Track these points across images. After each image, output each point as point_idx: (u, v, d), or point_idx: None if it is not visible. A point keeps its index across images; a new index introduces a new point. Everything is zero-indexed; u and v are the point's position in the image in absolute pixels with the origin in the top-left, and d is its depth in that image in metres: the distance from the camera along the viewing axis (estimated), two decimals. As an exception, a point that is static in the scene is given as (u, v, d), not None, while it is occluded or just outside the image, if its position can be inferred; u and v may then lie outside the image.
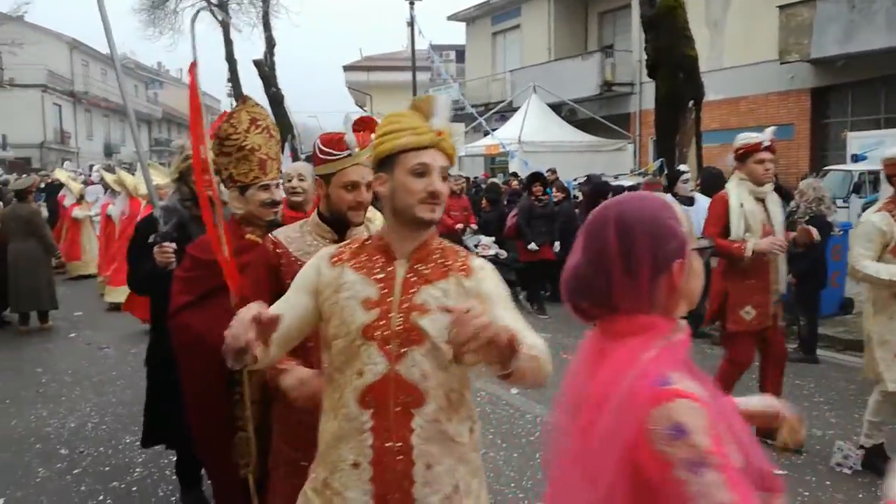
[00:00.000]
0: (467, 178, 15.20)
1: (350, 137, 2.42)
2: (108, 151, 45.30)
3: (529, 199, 9.95)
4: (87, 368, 7.29)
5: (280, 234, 2.52)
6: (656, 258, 1.36)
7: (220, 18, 30.11)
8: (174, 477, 4.60)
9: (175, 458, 4.88)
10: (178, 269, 3.14)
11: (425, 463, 1.86)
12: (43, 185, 16.36)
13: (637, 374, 1.30)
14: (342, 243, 2.05)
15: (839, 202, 12.25)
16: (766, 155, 4.50)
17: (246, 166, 2.89)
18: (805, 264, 6.79)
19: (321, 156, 2.44)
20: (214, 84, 65.66)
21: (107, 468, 4.82)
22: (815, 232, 4.77)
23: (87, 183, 15.14)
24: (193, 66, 2.89)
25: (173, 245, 3.48)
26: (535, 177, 10.29)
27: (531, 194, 9.99)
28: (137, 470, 4.77)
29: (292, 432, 2.42)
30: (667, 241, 1.37)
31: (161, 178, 9.26)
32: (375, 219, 3.03)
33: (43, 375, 7.11)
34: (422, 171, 1.85)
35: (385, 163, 1.89)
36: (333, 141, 2.44)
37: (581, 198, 12.13)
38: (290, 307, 1.93)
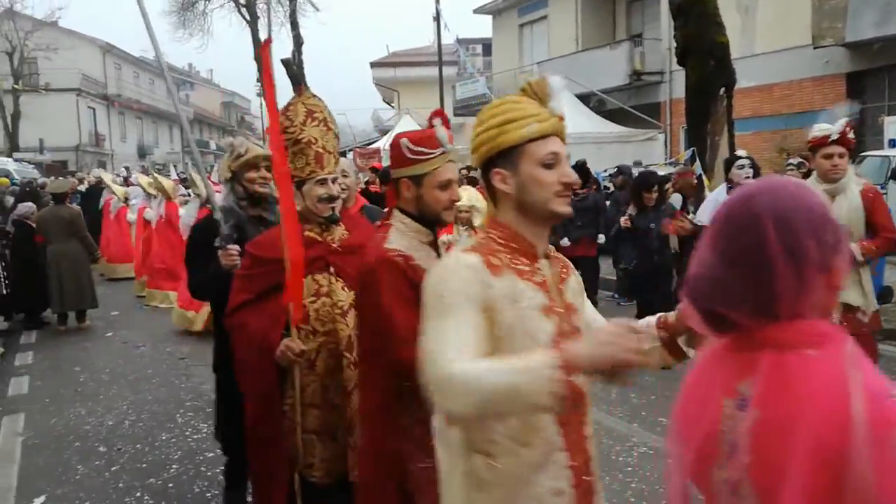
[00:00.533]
0: None
1: (442, 133, 2.30)
2: (142, 153, 46.04)
3: None
4: (123, 367, 7.42)
5: (399, 245, 2.29)
6: (822, 255, 1.18)
7: (247, 18, 30.40)
8: (209, 473, 4.67)
9: (211, 456, 4.95)
10: (239, 268, 3.09)
11: (597, 473, 1.79)
12: (84, 189, 16.56)
13: (865, 394, 1.09)
14: (471, 247, 1.77)
15: (877, 189, 11.96)
16: (834, 149, 4.12)
17: (302, 160, 2.78)
18: None
19: (412, 156, 2.28)
20: (244, 84, 66.31)
21: (144, 465, 4.90)
22: None
23: (126, 183, 15.38)
24: (267, 43, 2.85)
25: (237, 247, 3.37)
26: (573, 167, 9.74)
27: None
28: (174, 467, 4.84)
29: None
30: (827, 234, 1.20)
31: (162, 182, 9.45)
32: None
33: (81, 374, 7.25)
34: (552, 162, 1.70)
35: (505, 156, 1.71)
36: (424, 139, 2.30)
37: (612, 189, 12.00)
38: (476, 330, 1.61)
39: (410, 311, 2.03)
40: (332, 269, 2.85)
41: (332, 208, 2.84)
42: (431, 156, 2.28)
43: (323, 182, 2.80)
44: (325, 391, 2.82)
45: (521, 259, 1.74)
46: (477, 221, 7.04)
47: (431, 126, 2.36)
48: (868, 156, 13.47)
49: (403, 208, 2.37)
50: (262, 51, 2.79)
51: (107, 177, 14.92)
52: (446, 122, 2.38)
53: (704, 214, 6.40)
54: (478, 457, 1.72)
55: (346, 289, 2.84)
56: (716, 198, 6.45)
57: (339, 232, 2.92)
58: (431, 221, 2.37)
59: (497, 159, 1.73)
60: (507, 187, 1.72)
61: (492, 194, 1.79)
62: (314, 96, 2.89)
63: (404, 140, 2.29)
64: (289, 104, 2.84)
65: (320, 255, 2.84)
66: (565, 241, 8.87)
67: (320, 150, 2.80)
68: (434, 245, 2.39)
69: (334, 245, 2.88)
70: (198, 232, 3.73)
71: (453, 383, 1.46)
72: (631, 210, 7.29)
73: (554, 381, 1.37)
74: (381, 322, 2.20)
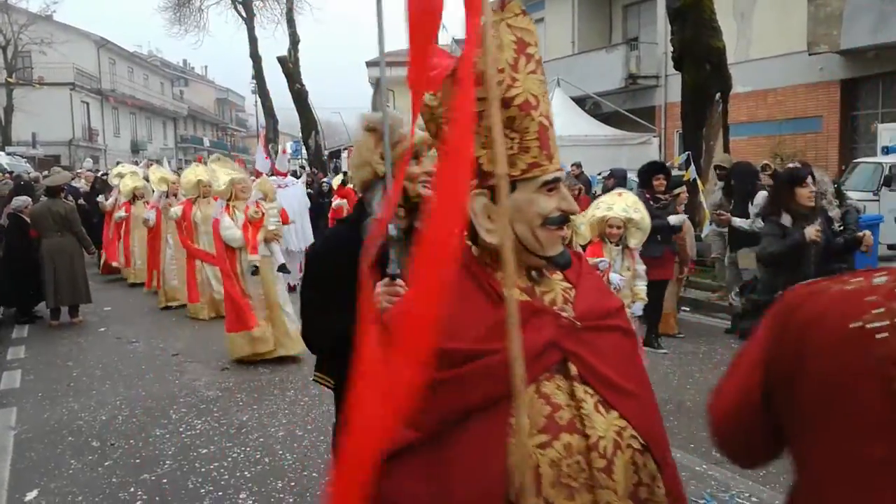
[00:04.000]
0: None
1: None
2: (135, 148, 45.92)
3: (644, 195, 7.15)
4: (116, 362, 7.40)
5: None
6: None
7: (244, 16, 30.32)
8: (203, 470, 4.67)
9: (205, 452, 4.96)
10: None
11: None
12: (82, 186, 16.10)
13: None
14: None
15: (870, 195, 12.05)
16: None
17: (514, 142, 1.38)
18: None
19: None
20: (238, 82, 66.19)
21: (137, 460, 4.88)
22: None
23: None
24: None
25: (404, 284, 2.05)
26: (656, 167, 7.81)
27: (649, 190, 7.38)
28: (167, 462, 4.82)
29: None
30: None
31: (232, 172, 7.59)
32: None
33: (74, 369, 7.22)
34: None
35: None
36: None
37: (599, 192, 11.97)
38: None
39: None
40: (573, 370, 1.36)
41: (564, 238, 1.46)
42: None
43: (553, 187, 1.40)
44: None
45: None
46: (634, 241, 5.55)
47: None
48: (861, 163, 13.56)
49: None
50: None
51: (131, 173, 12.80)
52: None
53: None
54: None
55: (604, 407, 1.35)
56: None
57: (560, 287, 1.48)
58: None
59: None
60: None
61: None
62: (523, 14, 1.40)
63: None
64: (482, 27, 1.29)
65: (549, 339, 1.36)
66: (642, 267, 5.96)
67: (544, 122, 1.40)
68: None
69: (564, 315, 1.40)
70: (326, 251, 2.45)
71: None
72: (785, 219, 5.22)
73: None
74: None
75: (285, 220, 7.32)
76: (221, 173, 7.56)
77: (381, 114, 2.20)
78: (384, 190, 2.25)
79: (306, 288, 2.45)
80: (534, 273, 1.46)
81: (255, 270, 7.11)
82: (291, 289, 8.39)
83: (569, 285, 1.49)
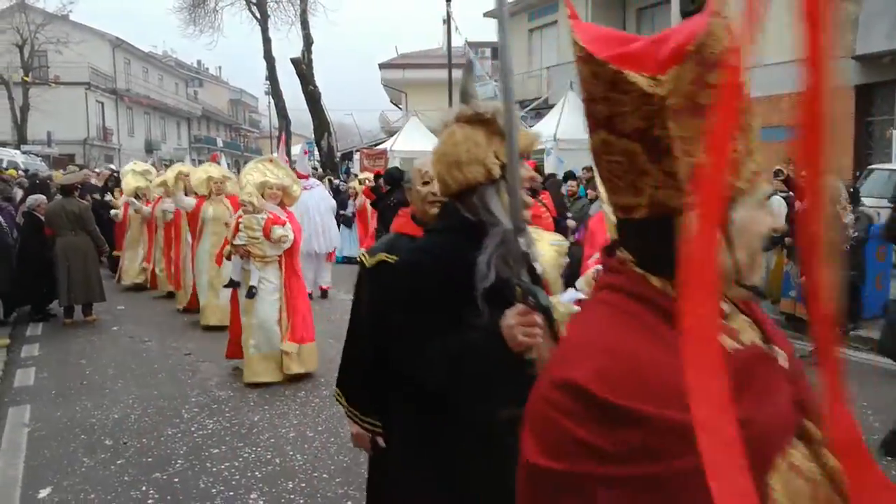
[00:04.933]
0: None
1: None
2: (149, 148, 46.17)
3: None
4: (129, 361, 7.45)
5: None
6: None
7: (258, 17, 30.46)
8: (214, 469, 4.70)
9: (216, 452, 4.98)
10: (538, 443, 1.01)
11: None
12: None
13: None
14: None
15: (884, 202, 11.97)
16: None
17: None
18: None
19: None
20: (252, 83, 66.47)
21: (149, 459, 4.92)
22: None
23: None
24: None
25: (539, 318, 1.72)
26: None
27: None
28: (179, 462, 4.86)
29: None
30: None
31: (279, 170, 6.87)
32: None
33: (87, 367, 7.28)
34: None
35: None
36: None
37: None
38: None
39: None
40: (814, 431, 1.10)
41: None
42: None
43: (758, 204, 1.12)
44: None
45: None
46: None
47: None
48: (875, 169, 13.47)
49: None
50: None
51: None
52: None
53: None
54: None
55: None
56: None
57: (744, 321, 1.17)
58: None
59: None
60: None
61: None
62: None
63: None
64: None
65: (791, 395, 1.11)
66: None
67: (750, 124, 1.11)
68: None
69: (780, 361, 1.15)
70: (431, 263, 1.96)
71: None
72: None
73: None
74: None
75: (266, 233, 6.46)
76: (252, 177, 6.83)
77: (494, 102, 1.91)
78: (498, 194, 1.89)
79: (398, 311, 1.94)
80: (726, 307, 1.11)
81: (247, 292, 6.50)
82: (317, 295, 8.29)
83: (748, 318, 1.15)
